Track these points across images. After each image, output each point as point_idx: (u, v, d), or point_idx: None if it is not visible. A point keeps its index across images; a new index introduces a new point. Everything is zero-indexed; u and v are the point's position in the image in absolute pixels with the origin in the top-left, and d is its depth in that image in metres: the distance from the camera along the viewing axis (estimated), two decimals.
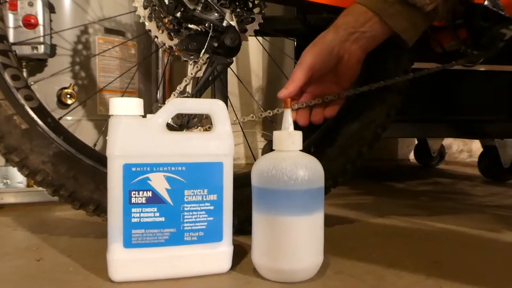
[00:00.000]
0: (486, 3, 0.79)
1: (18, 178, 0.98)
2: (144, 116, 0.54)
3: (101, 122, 1.02)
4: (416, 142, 2.00)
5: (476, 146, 2.19)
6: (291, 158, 0.53)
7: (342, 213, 0.92)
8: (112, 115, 0.53)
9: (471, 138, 1.75)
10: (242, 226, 0.69)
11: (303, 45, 1.14)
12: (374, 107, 0.81)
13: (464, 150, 2.21)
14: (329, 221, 0.71)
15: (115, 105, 0.52)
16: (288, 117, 0.55)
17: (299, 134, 0.55)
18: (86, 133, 0.98)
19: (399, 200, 1.11)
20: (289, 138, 0.54)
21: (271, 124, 1.52)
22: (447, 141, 2.10)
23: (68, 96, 0.95)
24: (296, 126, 0.56)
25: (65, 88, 0.96)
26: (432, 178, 1.56)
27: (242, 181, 0.64)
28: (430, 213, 0.95)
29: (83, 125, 0.99)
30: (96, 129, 1.00)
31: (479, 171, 1.58)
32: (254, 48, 1.86)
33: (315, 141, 0.82)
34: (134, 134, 0.52)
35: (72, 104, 0.96)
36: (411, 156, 2.14)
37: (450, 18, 0.78)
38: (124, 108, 0.52)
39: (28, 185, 0.99)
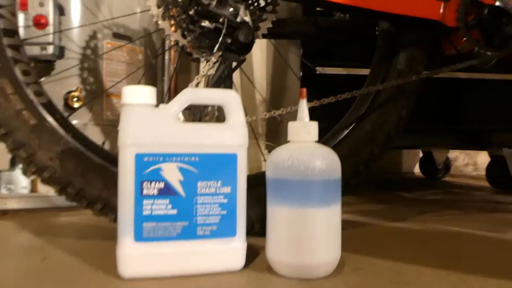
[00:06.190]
0: (497, 3, 0.79)
1: (22, 183, 0.96)
2: (157, 106, 0.53)
3: (108, 127, 1.00)
4: (421, 154, 1.98)
5: (481, 160, 2.17)
6: (307, 148, 0.52)
7: (353, 219, 0.90)
8: (124, 103, 0.51)
9: (479, 148, 1.73)
10: (253, 227, 0.68)
11: (309, 53, 1.15)
12: (387, 108, 0.80)
13: (470, 164, 2.19)
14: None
15: (127, 93, 0.51)
16: (304, 108, 0.54)
17: (315, 125, 0.53)
18: (92, 138, 0.96)
19: (409, 207, 1.09)
20: (305, 128, 0.53)
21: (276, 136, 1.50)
22: (452, 154, 2.08)
23: (75, 99, 0.94)
24: (311, 118, 0.54)
25: (72, 91, 0.95)
26: (440, 189, 1.54)
27: (251, 182, 0.62)
28: (443, 218, 0.93)
29: (89, 130, 0.98)
30: (103, 134, 0.99)
31: (487, 181, 1.56)
32: (258, 60, 1.86)
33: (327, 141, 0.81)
34: (147, 123, 0.51)
35: (79, 108, 0.94)
36: (416, 169, 2.12)
37: (463, 18, 0.78)
38: (136, 96, 0.51)
39: (32, 191, 0.97)
